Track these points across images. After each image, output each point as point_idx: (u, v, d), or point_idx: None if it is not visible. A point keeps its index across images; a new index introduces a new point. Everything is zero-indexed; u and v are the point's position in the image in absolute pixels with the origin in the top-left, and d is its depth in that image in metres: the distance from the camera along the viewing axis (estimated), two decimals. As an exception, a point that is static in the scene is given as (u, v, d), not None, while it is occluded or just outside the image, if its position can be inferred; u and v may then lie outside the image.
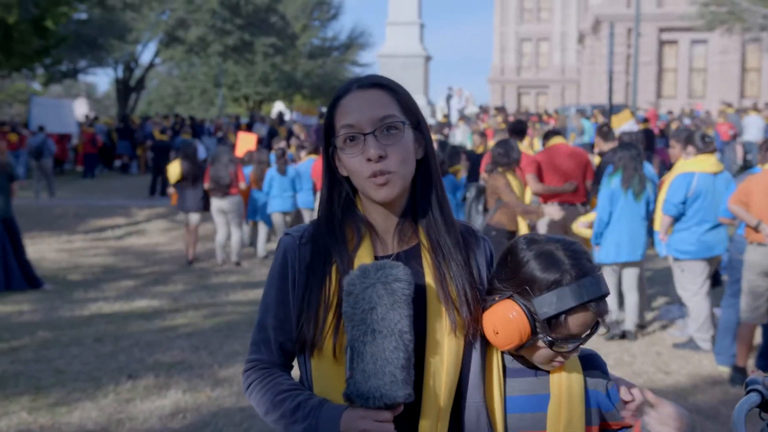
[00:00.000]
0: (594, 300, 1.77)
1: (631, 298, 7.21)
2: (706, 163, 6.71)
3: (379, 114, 1.75)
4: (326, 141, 1.84)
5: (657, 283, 9.13)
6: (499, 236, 6.75)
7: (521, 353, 1.86)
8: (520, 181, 7.18)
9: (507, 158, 6.94)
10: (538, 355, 1.83)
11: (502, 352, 1.88)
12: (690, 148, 6.81)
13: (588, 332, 1.82)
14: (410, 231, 1.85)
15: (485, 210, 7.21)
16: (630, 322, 7.19)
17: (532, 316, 1.77)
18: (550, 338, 1.78)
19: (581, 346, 1.91)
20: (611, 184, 7.10)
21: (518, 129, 8.93)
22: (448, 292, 1.79)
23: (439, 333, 1.76)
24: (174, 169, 11.23)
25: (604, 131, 8.85)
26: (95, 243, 13.64)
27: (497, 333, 1.79)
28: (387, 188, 1.74)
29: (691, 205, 6.70)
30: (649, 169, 7.51)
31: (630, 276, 7.21)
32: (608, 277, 7.06)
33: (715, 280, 7.51)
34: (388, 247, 1.84)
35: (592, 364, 1.92)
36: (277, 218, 11.56)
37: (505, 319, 1.78)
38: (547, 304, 1.77)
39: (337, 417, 1.66)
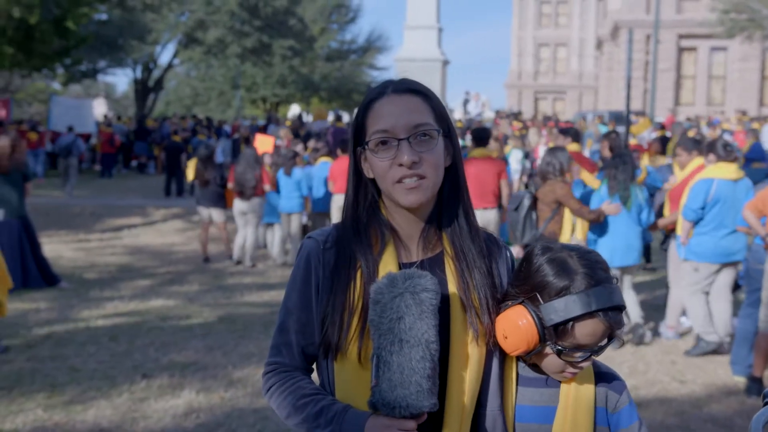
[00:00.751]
0: (604, 310, 1.74)
1: (628, 298, 7.29)
2: (726, 170, 6.78)
3: (415, 121, 1.75)
4: (355, 142, 1.83)
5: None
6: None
7: (532, 361, 1.85)
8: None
9: (560, 167, 6.87)
10: (548, 364, 1.82)
11: (517, 360, 1.87)
12: (711, 156, 6.90)
13: (602, 344, 1.79)
14: (435, 238, 1.84)
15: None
16: (635, 319, 7.28)
17: (540, 323, 1.76)
18: (558, 347, 1.77)
19: (599, 362, 1.89)
20: (600, 191, 7.35)
21: (481, 136, 9.24)
22: (471, 301, 1.78)
23: (463, 342, 1.76)
24: (190, 168, 11.55)
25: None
26: (112, 242, 13.72)
27: (506, 338, 1.79)
28: (416, 193, 1.74)
29: (710, 210, 6.79)
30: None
31: (625, 280, 7.36)
32: None
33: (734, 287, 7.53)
34: (412, 254, 1.84)
35: (607, 382, 1.88)
36: (282, 219, 11.63)
37: (514, 325, 1.77)
38: (554, 310, 1.75)
39: (361, 424, 1.67)
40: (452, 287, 1.79)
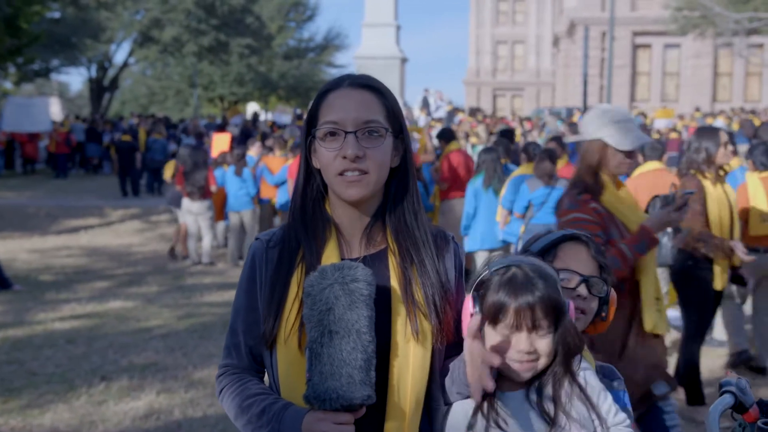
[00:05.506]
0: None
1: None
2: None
3: (364, 117, 1.76)
4: (307, 131, 1.84)
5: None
6: (694, 268, 5.19)
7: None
8: (725, 191, 5.29)
9: (701, 156, 5.19)
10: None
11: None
12: (523, 156, 8.36)
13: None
14: (379, 235, 1.85)
15: (677, 229, 5.00)
16: None
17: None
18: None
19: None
20: (475, 183, 8.25)
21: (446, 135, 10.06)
22: (413, 297, 1.77)
23: (402, 336, 1.75)
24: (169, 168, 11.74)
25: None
26: (68, 243, 13.49)
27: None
28: (357, 187, 1.75)
29: None
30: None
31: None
32: (479, 260, 8.14)
33: None
34: (354, 250, 1.84)
35: None
36: (231, 218, 11.61)
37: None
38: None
39: (299, 420, 1.67)
40: (394, 282, 1.79)
